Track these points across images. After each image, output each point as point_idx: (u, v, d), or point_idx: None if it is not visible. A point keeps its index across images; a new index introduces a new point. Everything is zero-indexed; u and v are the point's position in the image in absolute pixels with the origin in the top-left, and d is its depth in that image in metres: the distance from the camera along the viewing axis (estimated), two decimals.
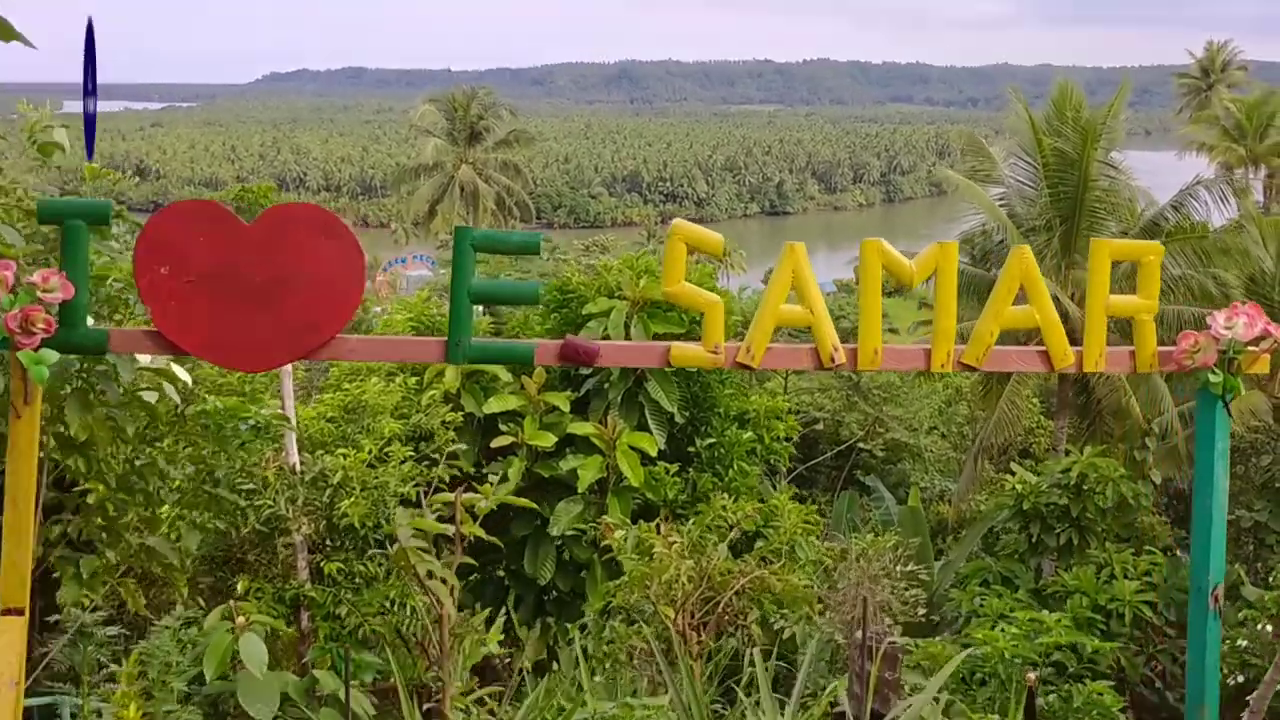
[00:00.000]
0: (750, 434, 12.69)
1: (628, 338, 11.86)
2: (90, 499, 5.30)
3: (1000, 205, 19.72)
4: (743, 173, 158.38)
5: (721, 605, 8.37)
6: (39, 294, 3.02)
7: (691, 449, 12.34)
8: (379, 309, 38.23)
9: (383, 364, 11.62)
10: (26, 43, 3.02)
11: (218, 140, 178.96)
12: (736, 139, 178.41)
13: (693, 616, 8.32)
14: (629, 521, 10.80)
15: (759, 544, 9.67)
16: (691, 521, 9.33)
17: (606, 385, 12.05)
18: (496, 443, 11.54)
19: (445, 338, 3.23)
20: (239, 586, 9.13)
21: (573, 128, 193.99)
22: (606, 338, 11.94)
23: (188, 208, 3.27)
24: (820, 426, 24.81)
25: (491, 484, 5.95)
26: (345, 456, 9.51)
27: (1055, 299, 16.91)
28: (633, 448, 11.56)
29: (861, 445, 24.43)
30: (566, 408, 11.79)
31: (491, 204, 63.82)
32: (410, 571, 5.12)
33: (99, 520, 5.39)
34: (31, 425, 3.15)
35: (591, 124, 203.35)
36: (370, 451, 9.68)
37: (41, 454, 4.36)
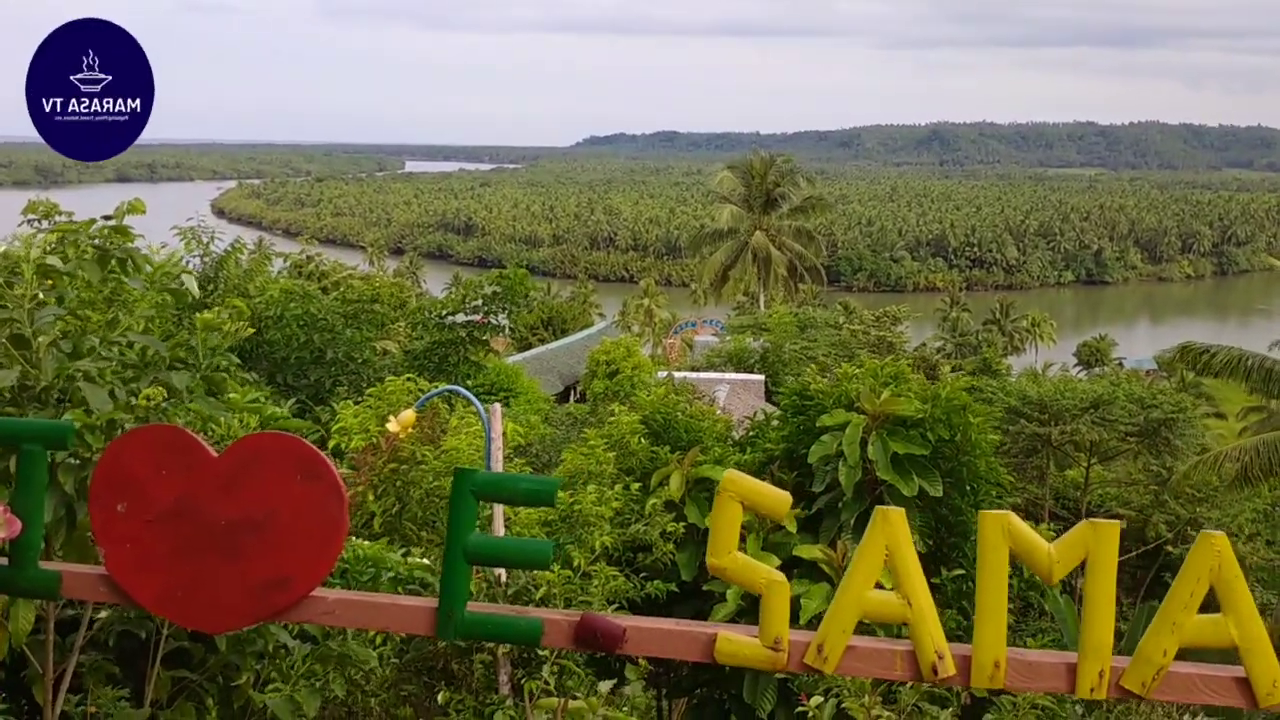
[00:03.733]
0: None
1: (863, 456, 10.87)
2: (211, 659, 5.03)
3: None
4: (1058, 239, 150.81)
5: None
6: None
7: (935, 580, 11.13)
8: (663, 373, 37.74)
9: (605, 468, 11.18)
10: None
11: (538, 200, 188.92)
12: (1052, 203, 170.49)
13: None
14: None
15: (990, 714, 8.46)
16: (909, 685, 8.27)
17: (840, 505, 11.09)
18: None
19: (435, 604, 2.63)
20: (439, 698, 8.91)
21: (878, 190, 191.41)
22: (840, 454, 11.01)
23: (151, 435, 2.81)
24: (1123, 524, 22.73)
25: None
26: (553, 570, 9.15)
27: None
28: None
29: (1170, 548, 22.16)
30: (794, 527, 10.90)
31: (783, 270, 63.46)
32: None
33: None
34: None
35: (898, 186, 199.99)
36: (579, 566, 9.27)
37: None
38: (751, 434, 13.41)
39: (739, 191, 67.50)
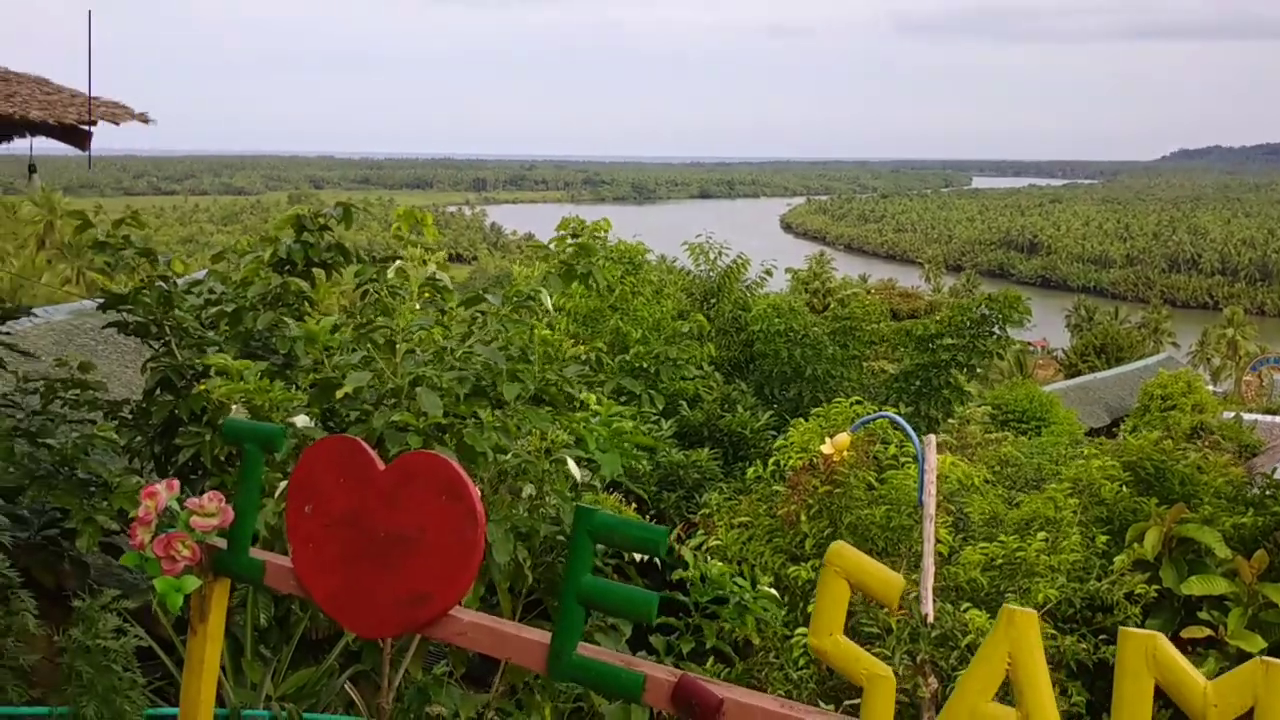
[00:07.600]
0: None
1: None
2: None
3: None
4: None
5: None
6: (192, 519, 3.00)
7: None
8: (1229, 414, 32.61)
9: (1063, 514, 10.23)
10: None
11: (1113, 217, 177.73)
12: None
13: None
14: None
15: None
16: None
17: None
18: (1188, 633, 9.51)
19: (549, 640, 2.56)
20: None
21: None
22: None
23: (335, 445, 3.00)
24: None
25: None
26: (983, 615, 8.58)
27: None
28: None
29: None
30: None
31: None
32: None
33: None
34: (205, 643, 3.13)
35: None
36: None
37: None
38: (1266, 493, 11.61)
39: None
